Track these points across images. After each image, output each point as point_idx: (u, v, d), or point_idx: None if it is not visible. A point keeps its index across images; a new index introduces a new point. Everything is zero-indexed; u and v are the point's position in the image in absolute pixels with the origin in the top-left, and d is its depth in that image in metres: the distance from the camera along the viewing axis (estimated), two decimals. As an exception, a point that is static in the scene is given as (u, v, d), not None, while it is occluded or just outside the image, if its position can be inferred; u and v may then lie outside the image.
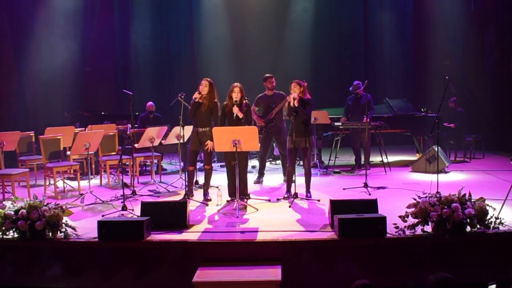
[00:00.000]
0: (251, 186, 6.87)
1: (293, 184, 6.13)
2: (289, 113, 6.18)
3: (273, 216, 5.47)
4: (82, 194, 6.47)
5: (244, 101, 6.12)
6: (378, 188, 6.74)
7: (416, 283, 3.50)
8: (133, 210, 5.56)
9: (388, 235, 4.47)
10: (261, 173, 7.65)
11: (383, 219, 4.50)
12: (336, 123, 8.43)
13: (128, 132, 7.76)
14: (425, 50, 11.76)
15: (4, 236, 4.64)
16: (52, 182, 7.13)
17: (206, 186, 6.37)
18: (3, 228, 4.61)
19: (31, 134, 8.20)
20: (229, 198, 6.20)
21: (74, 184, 7.28)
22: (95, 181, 7.85)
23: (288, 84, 6.26)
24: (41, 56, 10.71)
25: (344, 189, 6.74)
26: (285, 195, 6.26)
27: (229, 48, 12.40)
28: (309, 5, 12.37)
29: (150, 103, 9.67)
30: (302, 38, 12.46)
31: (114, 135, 7.84)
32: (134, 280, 4.50)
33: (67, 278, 4.56)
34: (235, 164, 5.66)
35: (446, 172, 7.84)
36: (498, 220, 4.51)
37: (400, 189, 6.67)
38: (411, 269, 4.42)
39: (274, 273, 4.18)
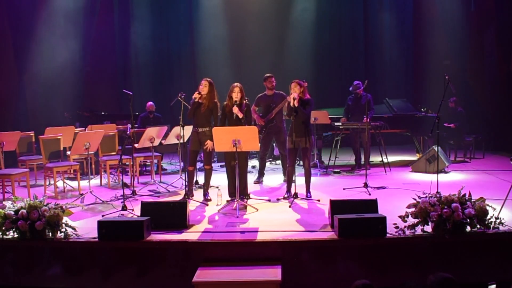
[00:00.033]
0: (251, 186, 6.87)
1: (293, 184, 6.13)
2: (289, 113, 6.18)
3: (273, 216, 5.47)
4: (82, 194, 6.47)
5: (244, 101, 6.12)
6: (378, 188, 6.74)
7: (416, 283, 3.51)
8: (133, 210, 5.56)
9: (388, 235, 4.47)
10: (261, 173, 7.65)
11: (383, 219, 4.50)
12: (336, 123, 8.43)
13: (128, 132, 7.76)
14: (425, 50, 11.75)
15: (4, 236, 4.64)
16: (52, 182, 7.13)
17: (206, 186, 6.37)
18: (3, 228, 4.60)
19: (31, 134, 8.20)
20: (229, 198, 6.20)
21: (74, 184, 7.28)
22: (95, 181, 7.85)
23: (288, 84, 6.26)
24: (41, 56, 10.71)
25: (344, 189, 6.74)
26: (285, 195, 6.26)
27: (229, 48, 12.40)
28: (309, 5, 12.37)
29: (150, 103, 9.68)
30: (302, 38, 12.46)
31: (114, 135, 7.84)
32: (134, 280, 4.50)
33: (67, 278, 4.56)
34: (235, 164, 5.66)
35: (446, 172, 7.84)
36: (498, 220, 4.51)
37: (400, 189, 6.66)
38: (411, 269, 4.42)
39: (274, 273, 4.18)
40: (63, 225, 4.65)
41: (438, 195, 4.61)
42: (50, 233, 4.62)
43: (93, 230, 4.66)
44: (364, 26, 12.62)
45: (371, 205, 4.88)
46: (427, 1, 11.70)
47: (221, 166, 8.68)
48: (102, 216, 5.39)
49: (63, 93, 11.06)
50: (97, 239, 4.55)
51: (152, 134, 7.29)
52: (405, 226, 4.52)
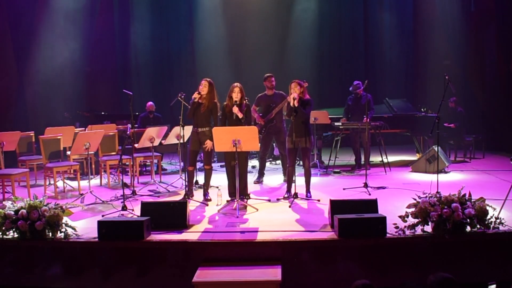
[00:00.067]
0: (251, 186, 6.87)
1: (293, 184, 6.12)
2: (289, 113, 6.18)
3: (273, 216, 5.47)
4: (82, 194, 6.47)
5: (244, 101, 6.12)
6: (378, 188, 6.74)
7: (416, 283, 3.51)
8: (133, 210, 5.56)
9: (388, 235, 4.47)
10: (261, 173, 7.65)
11: (383, 219, 4.50)
12: (336, 123, 8.43)
13: (128, 132, 7.76)
14: (425, 50, 11.75)
15: (4, 236, 4.64)
16: (52, 182, 7.13)
17: (206, 186, 6.37)
18: (3, 228, 4.61)
19: (31, 134, 8.21)
20: (229, 198, 6.20)
21: (74, 184, 7.28)
22: (95, 181, 7.85)
23: (288, 84, 6.25)
24: (41, 56, 10.71)
25: (344, 189, 6.74)
26: (285, 195, 6.26)
27: (229, 48, 12.40)
28: (309, 5, 12.38)
29: (150, 103, 9.68)
30: (302, 38, 12.46)
31: (114, 135, 7.84)
32: (134, 280, 4.50)
33: (67, 278, 4.56)
34: (235, 164, 5.66)
35: (446, 172, 7.84)
36: (498, 220, 4.51)
37: (400, 189, 6.67)
38: (411, 269, 4.42)
39: (274, 273, 4.17)
40: (63, 225, 4.65)
41: (438, 195, 4.61)
42: (50, 233, 4.62)
43: (93, 230, 4.66)
44: (364, 26, 12.62)
45: (371, 205, 4.88)
46: (427, 1, 11.70)
47: (221, 166, 8.68)
48: (102, 216, 5.39)
49: (63, 93, 11.06)
50: (97, 239, 4.55)
51: (152, 134, 7.29)
52: (405, 226, 4.52)
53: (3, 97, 10.51)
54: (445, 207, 4.39)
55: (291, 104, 6.01)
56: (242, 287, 4.12)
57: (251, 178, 7.35)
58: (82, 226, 4.96)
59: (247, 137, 5.48)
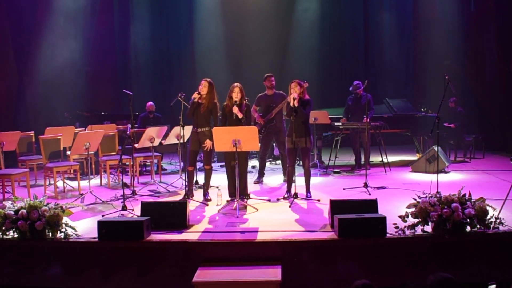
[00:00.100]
0: (251, 186, 6.87)
1: (293, 184, 6.12)
2: (289, 113, 6.18)
3: (273, 216, 5.47)
4: (82, 194, 6.47)
5: (244, 101, 6.12)
6: (378, 188, 6.74)
7: (416, 283, 3.50)
8: (133, 210, 5.56)
9: (388, 235, 4.47)
10: (261, 173, 7.65)
11: (383, 219, 4.50)
12: (336, 123, 8.42)
13: (128, 132, 7.76)
14: (425, 50, 11.76)
15: (4, 236, 4.64)
16: (52, 182, 7.13)
17: (206, 186, 6.37)
18: (3, 228, 4.60)
19: (31, 134, 8.20)
20: (229, 198, 6.20)
21: (74, 184, 7.28)
22: (95, 181, 7.85)
23: (288, 84, 6.25)
24: (41, 56, 10.71)
25: (344, 189, 6.74)
26: (285, 195, 6.26)
27: (229, 48, 12.41)
28: (310, 5, 12.39)
29: (150, 103, 9.68)
30: (302, 38, 12.46)
31: (114, 135, 7.84)
32: (134, 280, 4.50)
33: (67, 278, 4.56)
34: (235, 164, 5.66)
35: (446, 172, 7.84)
36: (498, 220, 4.51)
37: (400, 189, 6.66)
38: (411, 269, 4.41)
39: (274, 273, 4.17)
40: (63, 225, 4.65)
41: (438, 195, 4.61)
42: (50, 233, 4.62)
43: (93, 230, 4.66)
44: (364, 26, 12.62)
45: (371, 205, 4.87)
46: (427, 1, 11.71)
47: (221, 166, 8.68)
48: (102, 216, 5.39)
49: (63, 93, 11.07)
50: (97, 239, 4.55)
51: (152, 134, 7.29)
52: (405, 226, 4.52)
53: (3, 97, 10.52)
54: (445, 207, 4.39)
55: (291, 104, 6.01)
56: (242, 287, 4.12)
57: (251, 178, 7.35)
58: (82, 226, 4.96)
59: (247, 137, 5.48)
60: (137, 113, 9.73)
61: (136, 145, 7.31)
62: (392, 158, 8.98)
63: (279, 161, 8.62)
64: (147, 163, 8.80)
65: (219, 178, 7.49)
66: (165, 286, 4.51)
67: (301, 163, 6.87)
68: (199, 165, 7.83)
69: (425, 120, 8.75)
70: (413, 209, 4.57)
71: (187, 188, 6.27)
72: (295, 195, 6.06)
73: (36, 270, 4.58)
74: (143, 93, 11.98)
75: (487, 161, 9.03)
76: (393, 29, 12.48)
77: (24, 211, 4.57)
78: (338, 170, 8.31)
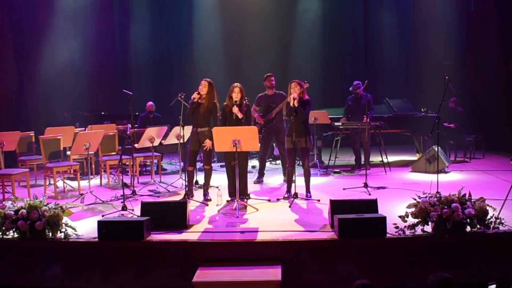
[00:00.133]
0: (251, 186, 6.87)
1: (293, 184, 6.12)
2: (289, 113, 6.18)
3: (273, 216, 5.47)
4: (82, 194, 6.47)
5: (244, 101, 6.12)
6: (378, 188, 6.74)
7: (416, 283, 3.51)
8: (133, 210, 5.56)
9: (388, 235, 4.47)
10: (261, 173, 7.65)
11: (383, 219, 4.50)
12: (336, 123, 8.42)
13: (128, 132, 7.76)
14: (425, 50, 11.76)
15: (4, 236, 4.64)
16: (52, 182, 7.13)
17: (206, 186, 6.37)
18: (3, 228, 4.60)
19: (31, 134, 8.20)
20: (229, 198, 6.20)
21: (74, 184, 7.28)
22: (95, 181, 7.85)
23: (288, 84, 6.24)
24: (41, 56, 10.72)
25: (344, 189, 6.74)
26: (285, 195, 6.26)
27: (229, 48, 12.41)
28: (310, 5, 12.40)
29: (150, 103, 9.68)
30: (302, 38, 12.47)
31: (114, 135, 7.84)
32: (134, 280, 4.50)
33: (67, 278, 4.56)
34: (235, 164, 5.66)
35: (446, 172, 7.84)
36: (498, 220, 4.51)
37: (400, 189, 6.66)
38: (411, 269, 4.42)
39: (274, 273, 4.17)
40: (63, 225, 4.65)
41: (438, 195, 4.61)
42: (50, 233, 4.62)
43: (93, 230, 4.66)
44: (364, 26, 12.62)
45: (371, 205, 4.87)
46: (427, 1, 11.71)
47: (221, 166, 8.68)
48: (102, 216, 5.39)
49: (63, 93, 11.07)
50: (97, 239, 4.55)
51: (152, 134, 7.29)
52: (405, 226, 4.52)
53: (3, 97, 10.52)
54: (445, 207, 4.39)
55: (291, 104, 6.00)
56: (242, 287, 4.12)
57: (251, 178, 7.35)
58: (82, 226, 4.95)
59: (247, 137, 5.48)
60: (137, 113, 9.73)
61: (136, 145, 7.31)
62: (392, 158, 8.97)
63: (279, 161, 8.62)
64: (147, 163, 8.80)
65: (219, 178, 7.49)
66: (165, 286, 4.51)
67: (301, 163, 6.88)
68: (199, 165, 7.83)
69: (425, 120, 8.74)
70: (413, 209, 4.57)
71: (187, 188, 6.27)
72: (295, 195, 6.06)
73: (36, 270, 4.59)
74: (143, 93, 11.98)
75: (487, 161, 9.03)
76: (393, 29, 12.48)
77: (24, 211, 4.57)
78: (338, 170, 8.30)
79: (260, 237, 4.63)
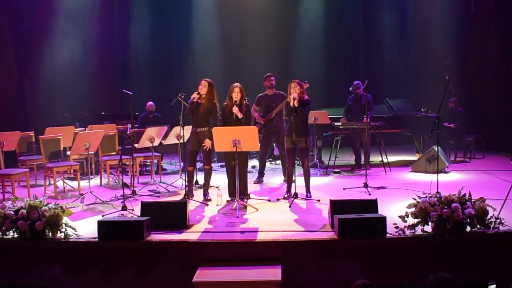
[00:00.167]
0: (251, 186, 6.87)
1: (293, 184, 6.12)
2: (289, 113, 6.17)
3: (273, 216, 5.47)
4: (82, 194, 6.47)
5: (244, 101, 6.12)
6: (378, 188, 6.74)
7: (416, 283, 3.51)
8: (133, 210, 5.56)
9: (388, 235, 4.47)
10: (261, 173, 7.65)
11: (383, 219, 4.50)
12: (336, 123, 8.42)
13: (128, 132, 7.76)
14: (425, 50, 11.76)
15: (4, 236, 4.64)
16: (52, 182, 7.13)
17: (206, 186, 6.37)
18: (3, 228, 4.60)
19: (31, 134, 8.20)
20: (229, 198, 6.20)
21: (74, 184, 7.28)
22: (95, 181, 7.85)
23: (288, 84, 6.24)
24: (41, 56, 10.72)
25: (344, 189, 6.74)
26: (285, 195, 6.26)
27: (229, 48, 12.41)
28: (310, 5, 12.40)
29: (150, 103, 9.68)
30: (302, 38, 12.48)
31: (114, 135, 7.84)
32: (134, 280, 4.50)
33: (67, 278, 4.56)
34: (235, 164, 5.66)
35: (446, 172, 7.84)
36: (498, 220, 4.51)
37: (400, 189, 6.66)
38: (411, 269, 4.42)
39: (274, 273, 4.18)
40: (63, 225, 4.65)
41: (438, 195, 4.61)
42: (50, 233, 4.62)
43: (93, 230, 4.66)
44: (364, 26, 12.62)
45: (371, 205, 4.87)
46: (427, 1, 11.71)
47: (221, 166, 8.68)
48: (102, 216, 5.39)
49: (63, 93, 11.08)
50: (97, 239, 4.55)
51: (152, 134, 7.29)
52: (405, 226, 4.52)
53: (3, 97, 10.52)
54: (445, 207, 4.39)
55: (291, 104, 5.99)
56: (242, 287, 4.12)
57: (251, 178, 7.35)
58: (82, 226, 4.95)
59: (247, 137, 5.48)
60: (137, 113, 9.73)
61: (136, 145, 7.31)
62: (392, 158, 8.97)
63: (279, 161, 8.62)
64: (147, 163, 8.80)
65: (219, 178, 7.49)
66: (165, 286, 4.51)
67: (301, 163, 6.88)
68: (199, 165, 7.83)
69: (425, 120, 8.74)
70: (413, 209, 4.57)
71: (187, 188, 6.27)
72: (295, 195, 6.06)
73: (36, 270, 4.59)
74: (143, 93, 11.99)
75: (487, 161, 9.03)
76: (393, 29, 12.49)
77: (24, 211, 4.57)
78: (338, 170, 8.30)
79: (260, 237, 4.63)
